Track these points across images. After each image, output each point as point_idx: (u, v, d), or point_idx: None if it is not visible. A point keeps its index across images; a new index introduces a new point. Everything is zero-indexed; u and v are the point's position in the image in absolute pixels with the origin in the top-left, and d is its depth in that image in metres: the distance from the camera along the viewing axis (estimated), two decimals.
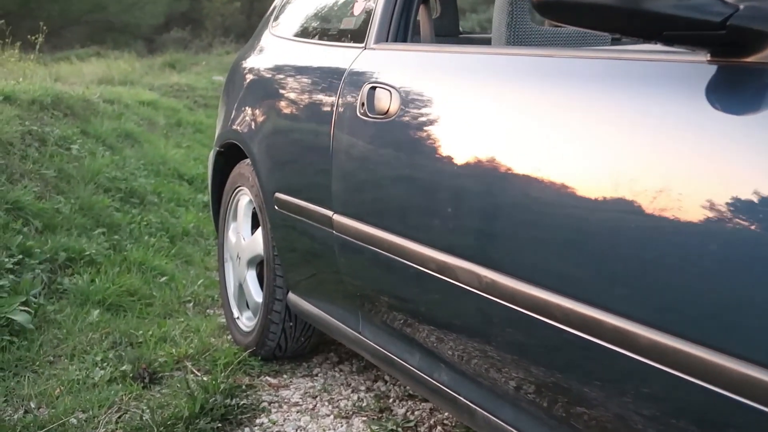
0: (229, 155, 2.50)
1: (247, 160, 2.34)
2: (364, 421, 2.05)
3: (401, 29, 1.82)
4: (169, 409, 2.02)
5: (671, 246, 1.00)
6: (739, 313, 0.92)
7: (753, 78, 0.96)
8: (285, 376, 2.35)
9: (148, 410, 2.01)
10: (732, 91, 0.99)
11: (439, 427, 2.01)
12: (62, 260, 2.94)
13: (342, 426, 2.03)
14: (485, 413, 1.43)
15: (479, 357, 1.42)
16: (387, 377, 2.32)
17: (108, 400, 2.08)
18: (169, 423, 1.95)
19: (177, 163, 5.02)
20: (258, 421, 2.05)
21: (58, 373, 2.24)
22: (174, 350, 2.41)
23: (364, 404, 2.15)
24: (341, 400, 2.19)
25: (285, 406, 2.14)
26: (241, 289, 2.48)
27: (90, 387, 2.16)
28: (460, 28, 2.84)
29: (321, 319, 2.04)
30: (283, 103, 2.15)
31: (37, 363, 2.29)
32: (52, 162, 3.76)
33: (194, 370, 2.30)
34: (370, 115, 1.68)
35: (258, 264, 2.39)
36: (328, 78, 1.93)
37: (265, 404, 2.14)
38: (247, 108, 2.34)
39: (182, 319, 2.74)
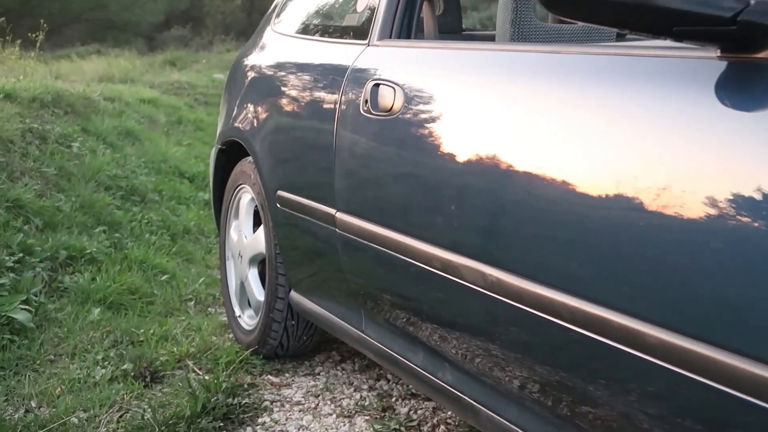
0: (231, 153, 2.49)
1: (249, 158, 2.33)
2: (366, 421, 2.04)
3: (405, 26, 1.81)
4: (171, 409, 2.01)
5: (680, 244, 0.99)
6: (750, 311, 0.91)
7: (764, 74, 0.95)
8: (287, 374, 2.34)
9: (149, 409, 1.99)
10: (742, 88, 0.97)
11: (442, 426, 2.00)
12: (63, 258, 2.93)
13: (344, 425, 2.02)
14: (489, 412, 1.42)
15: (483, 356, 1.41)
16: (389, 376, 2.31)
17: (109, 400, 2.07)
18: (170, 422, 1.94)
19: (178, 161, 5.02)
20: (260, 420, 2.04)
21: (59, 372, 2.23)
22: (175, 349, 2.40)
23: (367, 403, 2.14)
24: (344, 399, 2.18)
25: (287, 405, 2.13)
26: (242, 287, 2.47)
27: (91, 386, 2.15)
28: (463, 26, 2.83)
29: (323, 318, 2.03)
30: (285, 101, 2.14)
31: (38, 362, 2.28)
32: (53, 160, 3.76)
33: (196, 369, 2.29)
34: (373, 112, 1.66)
35: (260, 262, 2.37)
36: (330, 75, 1.92)
37: (267, 403, 2.13)
38: (249, 105, 2.33)
39: (183, 318, 2.73)
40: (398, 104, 1.59)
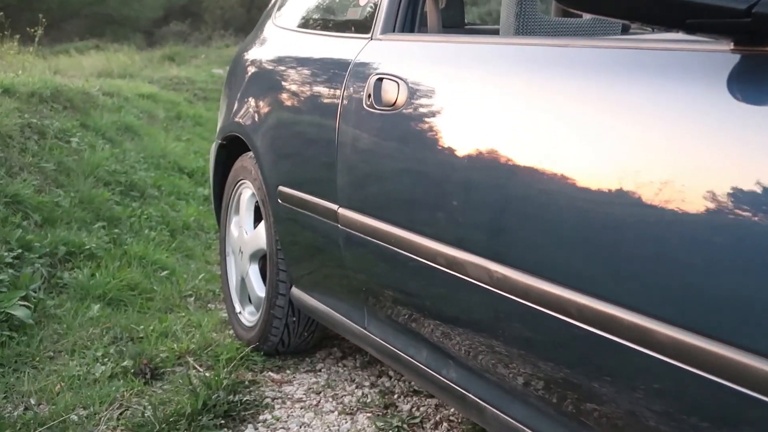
0: (232, 148, 2.47)
1: (250, 153, 2.31)
2: (368, 418, 2.03)
3: (408, 19, 1.80)
4: (171, 406, 1.99)
5: (690, 240, 0.97)
6: (761, 307, 0.90)
7: None
8: (288, 371, 2.32)
9: (149, 406, 1.98)
10: (756, 82, 0.96)
11: (445, 424, 1.99)
12: (62, 254, 2.92)
13: (346, 422, 2.01)
14: (494, 410, 1.40)
15: (488, 353, 1.39)
16: (391, 373, 2.30)
17: (109, 397, 2.05)
18: (171, 420, 1.92)
19: (177, 156, 5.00)
20: (261, 417, 2.03)
21: (59, 368, 2.21)
22: (175, 345, 2.38)
23: (369, 400, 2.13)
24: (345, 396, 2.16)
25: (288, 402, 2.12)
26: (243, 283, 2.46)
27: (91, 383, 2.14)
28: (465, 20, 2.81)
29: (325, 314, 2.01)
30: (286, 96, 2.12)
31: (37, 359, 2.26)
32: (52, 155, 3.74)
33: (196, 366, 2.27)
34: (376, 106, 1.65)
35: (260, 258, 2.36)
36: (333, 69, 1.90)
37: (268, 400, 2.11)
38: (249, 100, 2.31)
39: (183, 314, 2.71)
40: (402, 99, 1.57)
